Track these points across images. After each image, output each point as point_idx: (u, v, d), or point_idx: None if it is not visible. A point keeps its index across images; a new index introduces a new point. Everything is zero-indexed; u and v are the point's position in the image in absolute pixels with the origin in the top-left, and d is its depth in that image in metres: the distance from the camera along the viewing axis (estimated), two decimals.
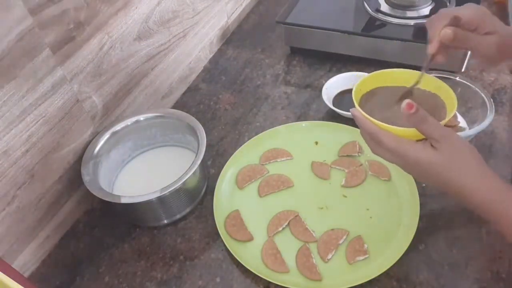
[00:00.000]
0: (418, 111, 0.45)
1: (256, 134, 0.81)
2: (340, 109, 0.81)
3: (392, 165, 0.72)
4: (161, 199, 0.65)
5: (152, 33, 0.80)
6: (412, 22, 0.91)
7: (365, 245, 0.64)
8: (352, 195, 0.71)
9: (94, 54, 0.68)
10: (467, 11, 0.53)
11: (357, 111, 0.51)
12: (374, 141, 0.51)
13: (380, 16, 0.93)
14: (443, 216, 0.67)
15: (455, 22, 0.52)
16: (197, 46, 0.97)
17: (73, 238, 0.71)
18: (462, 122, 0.77)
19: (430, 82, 0.56)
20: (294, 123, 0.83)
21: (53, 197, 0.68)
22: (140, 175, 0.76)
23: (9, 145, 0.58)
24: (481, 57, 0.55)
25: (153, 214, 0.69)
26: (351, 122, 0.81)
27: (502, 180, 0.47)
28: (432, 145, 0.47)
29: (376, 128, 0.49)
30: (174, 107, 0.92)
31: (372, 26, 0.93)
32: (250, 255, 0.65)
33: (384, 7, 0.95)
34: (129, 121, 0.75)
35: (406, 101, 0.46)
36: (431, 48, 0.54)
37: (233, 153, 0.78)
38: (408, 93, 0.55)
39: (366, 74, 0.86)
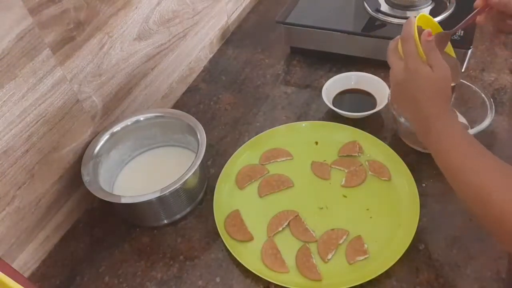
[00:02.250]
0: (432, 41, 0.55)
1: (256, 134, 0.81)
2: (340, 109, 0.81)
3: (392, 165, 0.73)
4: (161, 199, 0.65)
5: (152, 33, 0.80)
6: None
7: (365, 245, 0.64)
8: (352, 195, 0.71)
9: (94, 54, 0.68)
10: None
11: (414, 19, 0.58)
12: (405, 45, 0.57)
13: (380, 16, 0.93)
14: (443, 216, 0.67)
15: None
16: (197, 46, 0.97)
17: (73, 238, 0.71)
18: (462, 121, 0.77)
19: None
20: (294, 123, 0.83)
21: (53, 197, 0.68)
22: (140, 175, 0.76)
23: (9, 145, 0.58)
24: None
25: (153, 214, 0.69)
26: (351, 122, 0.81)
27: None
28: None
29: (415, 37, 0.57)
30: (174, 107, 0.92)
31: (372, 26, 0.93)
32: (250, 255, 0.65)
33: (384, 7, 0.95)
34: (129, 121, 0.74)
35: (428, 30, 0.55)
36: (477, 2, 0.60)
37: (233, 153, 0.78)
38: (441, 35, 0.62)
39: (366, 74, 0.86)
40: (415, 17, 0.58)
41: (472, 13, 0.61)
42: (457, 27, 0.61)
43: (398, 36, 0.60)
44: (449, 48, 0.63)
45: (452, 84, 0.58)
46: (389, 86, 0.80)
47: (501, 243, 0.52)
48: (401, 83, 0.58)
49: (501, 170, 0.50)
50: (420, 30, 0.60)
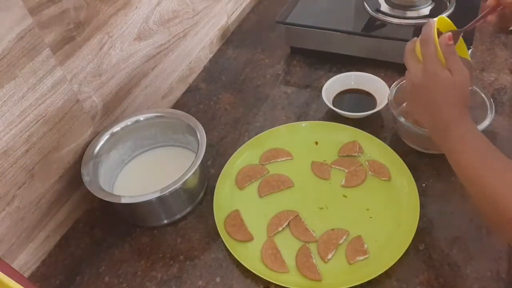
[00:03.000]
0: (452, 45, 0.55)
1: (256, 134, 0.81)
2: (340, 109, 0.81)
3: (392, 165, 0.73)
4: (161, 199, 0.65)
5: (152, 33, 0.80)
6: (412, 22, 0.91)
7: (365, 245, 0.64)
8: (352, 195, 0.71)
9: (94, 54, 0.68)
10: None
11: (434, 22, 0.58)
12: (424, 48, 0.57)
13: (380, 16, 0.93)
14: (443, 216, 0.67)
15: None
16: (197, 46, 0.97)
17: (73, 238, 0.71)
18: None
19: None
20: (294, 123, 0.83)
21: (53, 197, 0.68)
22: (140, 175, 0.76)
23: (9, 145, 0.58)
24: None
25: (153, 214, 0.69)
26: (351, 122, 0.81)
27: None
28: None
29: (435, 40, 0.57)
30: (174, 107, 0.92)
31: (372, 26, 0.93)
32: (250, 255, 0.65)
33: (384, 7, 0.95)
34: (129, 121, 0.74)
35: (449, 33, 0.55)
36: (490, 1, 0.60)
37: (233, 153, 0.78)
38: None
39: (366, 74, 0.86)
40: (435, 19, 0.58)
41: (484, 12, 0.61)
42: (468, 25, 0.61)
43: (415, 38, 0.60)
44: (463, 50, 0.63)
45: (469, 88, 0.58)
46: (389, 86, 0.80)
47: None
48: (419, 86, 0.58)
49: None
50: (438, 33, 0.60)
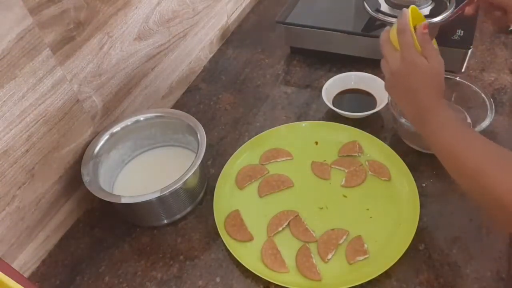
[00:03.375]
0: (427, 33, 0.58)
1: (256, 134, 0.81)
2: (340, 109, 0.81)
3: (392, 165, 0.73)
4: (161, 199, 0.65)
5: (152, 33, 0.80)
6: None
7: (365, 245, 0.64)
8: (352, 195, 0.71)
9: (94, 54, 0.68)
10: None
11: (408, 11, 0.60)
12: (401, 36, 0.59)
13: (380, 16, 0.93)
14: (443, 216, 0.67)
15: None
16: (197, 46, 0.97)
17: (73, 238, 0.71)
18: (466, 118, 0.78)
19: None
20: (294, 123, 0.83)
21: (53, 197, 0.68)
22: (140, 175, 0.76)
23: (9, 145, 0.58)
24: None
25: (153, 214, 0.69)
26: (351, 122, 0.81)
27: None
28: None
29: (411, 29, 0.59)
30: (174, 107, 0.92)
31: (372, 26, 0.93)
32: (250, 255, 0.65)
33: (384, 7, 0.95)
34: (129, 121, 0.74)
35: (426, 22, 0.59)
36: None
37: (233, 153, 0.78)
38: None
39: (366, 74, 0.86)
40: (409, 9, 0.60)
41: (462, 4, 0.64)
42: (445, 17, 0.64)
43: (388, 27, 0.62)
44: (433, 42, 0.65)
45: None
46: None
47: (502, 226, 0.54)
48: (398, 74, 0.60)
49: (500, 154, 0.51)
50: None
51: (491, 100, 0.73)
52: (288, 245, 0.65)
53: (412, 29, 0.58)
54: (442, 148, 0.56)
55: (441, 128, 0.56)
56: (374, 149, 0.76)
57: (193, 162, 0.66)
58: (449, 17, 0.64)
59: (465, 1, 0.64)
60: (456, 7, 0.91)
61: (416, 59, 0.58)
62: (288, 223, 0.68)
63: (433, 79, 0.58)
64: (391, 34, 0.62)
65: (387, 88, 0.64)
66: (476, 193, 0.52)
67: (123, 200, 0.63)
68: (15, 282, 0.41)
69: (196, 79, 0.98)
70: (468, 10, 0.66)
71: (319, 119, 0.84)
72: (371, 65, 0.90)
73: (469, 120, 0.77)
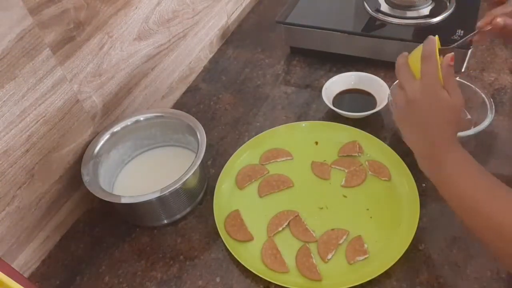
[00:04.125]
0: (453, 66, 0.54)
1: (256, 134, 0.81)
2: (340, 109, 0.81)
3: (392, 165, 0.73)
4: (161, 199, 0.65)
5: (152, 33, 0.80)
6: (412, 22, 0.91)
7: (365, 245, 0.64)
8: (352, 195, 0.71)
9: (94, 54, 0.68)
10: None
11: (435, 39, 0.56)
12: (425, 65, 0.55)
13: (380, 16, 0.93)
14: (443, 216, 0.67)
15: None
16: (197, 46, 0.97)
17: (73, 238, 0.71)
18: (467, 117, 0.78)
19: None
20: (294, 123, 0.83)
21: (53, 197, 0.68)
22: (140, 175, 0.76)
23: (9, 145, 0.58)
24: None
25: (153, 214, 0.69)
26: (351, 122, 0.81)
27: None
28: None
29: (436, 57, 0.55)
30: (174, 107, 0.92)
31: (372, 26, 0.93)
32: (250, 255, 0.65)
33: (384, 7, 0.95)
34: (129, 121, 0.74)
35: (452, 53, 0.54)
36: (481, 23, 0.60)
37: (233, 153, 0.78)
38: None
39: (366, 74, 0.86)
40: (436, 36, 0.56)
41: (470, 35, 0.63)
42: (459, 42, 0.63)
43: (406, 53, 0.59)
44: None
45: None
46: (389, 86, 0.80)
47: None
48: (414, 103, 0.55)
49: None
50: None
51: (491, 100, 0.73)
52: (288, 245, 0.65)
53: (438, 59, 0.54)
54: (460, 197, 0.52)
55: (458, 174, 0.52)
56: (374, 149, 0.76)
57: (193, 162, 0.66)
58: (461, 42, 0.63)
59: (474, 33, 0.62)
60: (456, 7, 0.91)
61: (439, 91, 0.53)
62: (288, 223, 0.68)
63: (453, 116, 0.54)
64: (410, 60, 0.58)
65: (397, 118, 0.59)
66: (500, 247, 0.48)
67: (123, 200, 0.63)
68: (15, 282, 0.41)
69: (196, 79, 0.98)
70: (476, 38, 0.63)
71: (319, 119, 0.84)
72: (371, 65, 0.90)
73: (469, 117, 0.77)
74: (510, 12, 0.59)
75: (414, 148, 0.58)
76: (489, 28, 0.60)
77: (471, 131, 0.71)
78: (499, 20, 0.58)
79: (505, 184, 0.50)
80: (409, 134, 0.58)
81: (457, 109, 0.54)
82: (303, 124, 0.82)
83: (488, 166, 0.50)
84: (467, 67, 0.87)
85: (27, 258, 0.66)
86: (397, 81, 0.59)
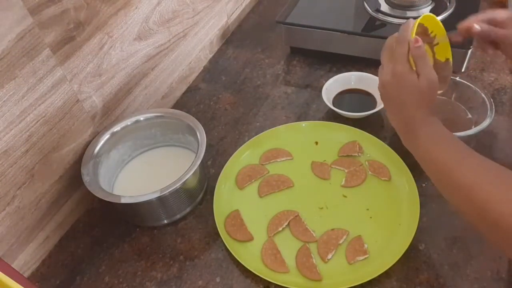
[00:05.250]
0: (421, 47, 0.55)
1: (256, 134, 0.81)
2: (340, 109, 0.81)
3: (392, 165, 0.73)
4: (161, 199, 0.65)
5: (152, 33, 0.80)
6: None
7: (365, 245, 0.64)
8: (352, 195, 0.71)
9: (94, 54, 0.68)
10: (502, 14, 0.61)
11: (413, 22, 0.57)
12: (398, 47, 0.57)
13: (380, 16, 0.93)
14: (443, 216, 0.67)
15: (490, 22, 0.61)
16: (197, 46, 0.97)
17: (73, 238, 0.71)
18: (468, 117, 0.78)
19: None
20: (294, 123, 0.83)
21: (53, 197, 0.68)
22: (140, 175, 0.76)
23: (9, 145, 0.58)
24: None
25: (153, 214, 0.69)
26: (351, 122, 0.81)
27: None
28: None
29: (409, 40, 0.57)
30: (174, 107, 0.92)
31: (372, 26, 0.93)
32: (250, 255, 0.65)
33: (384, 7, 0.95)
34: (129, 121, 0.74)
35: (416, 36, 0.55)
36: (461, 25, 0.62)
37: (233, 153, 0.78)
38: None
39: (366, 74, 0.86)
40: (416, 19, 0.57)
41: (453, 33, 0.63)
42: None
43: (396, 34, 0.60)
44: (447, 50, 0.63)
45: (439, 92, 0.58)
46: None
47: (499, 248, 0.50)
48: (388, 84, 0.59)
49: (493, 170, 0.49)
50: (425, 30, 0.60)
51: (491, 100, 0.73)
52: (288, 245, 0.65)
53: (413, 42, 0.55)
54: (432, 164, 0.54)
55: (431, 143, 0.55)
56: (374, 149, 0.76)
57: (193, 162, 0.66)
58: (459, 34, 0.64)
59: (454, 33, 0.63)
60: (456, 7, 0.91)
61: (406, 75, 0.56)
62: (288, 223, 0.68)
63: (422, 96, 0.56)
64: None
65: (381, 98, 0.63)
66: (470, 212, 0.49)
67: (123, 200, 0.63)
68: (15, 282, 0.41)
69: (196, 79, 0.98)
70: (456, 38, 0.64)
71: (319, 119, 0.84)
72: (371, 65, 0.90)
73: (469, 116, 0.77)
74: (494, 19, 0.61)
75: (394, 125, 0.61)
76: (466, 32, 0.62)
77: (471, 131, 0.71)
78: (476, 26, 0.60)
79: (479, 154, 0.51)
80: (388, 113, 0.62)
81: (425, 90, 0.55)
82: (303, 124, 0.82)
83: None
84: (467, 67, 0.87)
85: (27, 258, 0.66)
86: None
